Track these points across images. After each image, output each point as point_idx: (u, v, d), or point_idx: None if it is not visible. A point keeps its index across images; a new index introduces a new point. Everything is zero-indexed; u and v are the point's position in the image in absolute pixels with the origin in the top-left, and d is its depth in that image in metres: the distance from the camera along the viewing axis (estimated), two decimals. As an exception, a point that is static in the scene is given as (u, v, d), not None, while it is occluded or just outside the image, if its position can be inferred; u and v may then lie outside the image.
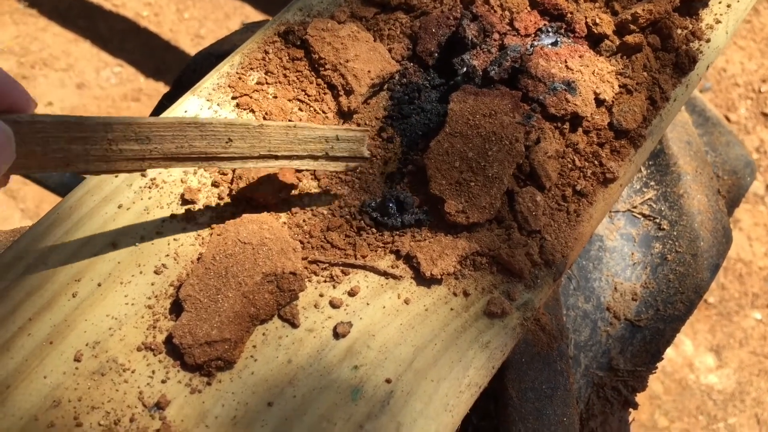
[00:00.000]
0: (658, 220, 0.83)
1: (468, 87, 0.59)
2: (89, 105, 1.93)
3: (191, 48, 2.08)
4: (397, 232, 0.56)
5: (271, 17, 0.66)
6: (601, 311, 0.78)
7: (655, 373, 0.79)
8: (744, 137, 2.10)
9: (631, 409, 0.78)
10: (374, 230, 0.56)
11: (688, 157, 0.86)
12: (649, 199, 0.84)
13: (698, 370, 1.81)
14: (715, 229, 0.82)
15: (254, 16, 2.16)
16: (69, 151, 0.44)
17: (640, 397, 0.80)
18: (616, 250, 0.82)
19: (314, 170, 0.57)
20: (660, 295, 0.79)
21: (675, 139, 0.87)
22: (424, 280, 0.55)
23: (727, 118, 2.13)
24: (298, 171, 0.58)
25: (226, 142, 0.50)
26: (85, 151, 0.44)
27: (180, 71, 0.79)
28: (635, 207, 0.84)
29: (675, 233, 0.82)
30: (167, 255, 0.55)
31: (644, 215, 0.84)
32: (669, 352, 1.79)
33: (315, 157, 0.54)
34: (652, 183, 0.85)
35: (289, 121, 0.60)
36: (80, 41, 2.04)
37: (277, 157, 0.53)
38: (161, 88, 2.01)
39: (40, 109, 1.87)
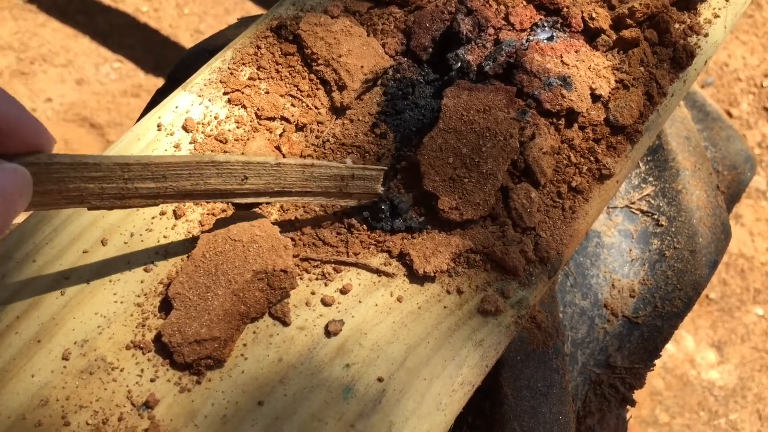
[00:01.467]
0: (656, 216, 0.82)
1: (462, 82, 0.58)
2: (89, 101, 1.92)
3: (191, 43, 2.08)
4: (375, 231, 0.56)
5: (270, 12, 0.66)
6: (598, 308, 0.77)
7: (652, 370, 0.78)
8: (746, 132, 2.09)
9: (628, 407, 0.77)
10: (365, 227, 0.56)
11: (687, 153, 0.85)
12: (647, 195, 0.84)
13: (699, 366, 1.81)
14: (713, 225, 0.82)
15: (255, 11, 2.15)
16: (85, 189, 0.43)
17: (640, 393, 0.80)
18: (614, 246, 0.81)
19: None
20: (658, 292, 0.79)
21: (674, 135, 0.86)
22: (417, 277, 0.54)
23: (729, 113, 2.12)
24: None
25: (242, 180, 0.50)
26: (101, 190, 0.44)
27: (173, 66, 0.79)
28: (633, 203, 0.83)
29: (673, 229, 0.81)
30: (157, 252, 0.54)
31: (642, 211, 0.83)
32: (670, 347, 1.79)
33: (329, 194, 0.54)
34: (651, 179, 0.85)
35: (281, 118, 0.59)
36: (79, 37, 2.03)
37: (291, 194, 0.52)
38: (161, 84, 2.00)
39: (39, 105, 1.87)
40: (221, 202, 0.56)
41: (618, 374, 0.76)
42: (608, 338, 0.76)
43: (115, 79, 1.99)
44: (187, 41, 2.08)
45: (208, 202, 0.57)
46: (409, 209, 0.56)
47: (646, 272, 0.80)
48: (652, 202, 0.83)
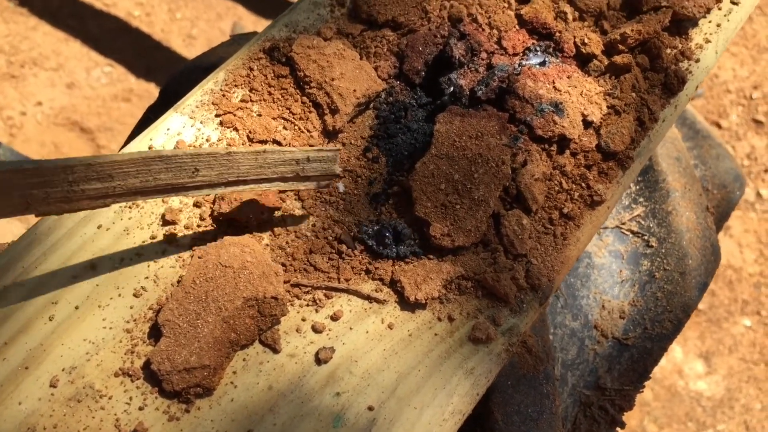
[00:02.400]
0: (646, 237, 0.82)
1: (454, 108, 0.58)
2: (79, 105, 1.92)
3: (183, 48, 2.07)
4: (382, 258, 0.55)
5: (264, 19, 0.65)
6: (588, 329, 0.78)
7: (642, 392, 0.78)
8: (735, 144, 2.10)
9: (618, 429, 0.77)
10: (356, 253, 0.56)
11: (677, 174, 0.85)
12: (637, 215, 0.84)
13: (687, 377, 1.81)
14: (703, 247, 0.82)
15: (246, 16, 2.14)
16: (30, 196, 0.42)
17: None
18: (604, 267, 0.81)
19: (285, 190, 0.56)
20: (648, 314, 0.79)
21: (664, 155, 0.87)
22: (408, 304, 0.54)
23: (719, 125, 2.13)
24: (281, 192, 0.57)
25: (193, 172, 0.49)
26: (45, 194, 0.43)
27: (165, 82, 0.78)
28: (624, 223, 0.83)
29: (663, 251, 0.81)
30: (147, 277, 0.54)
31: (633, 232, 0.83)
32: (658, 359, 1.79)
33: (285, 179, 0.53)
34: (641, 199, 0.85)
35: (273, 141, 0.59)
36: (71, 41, 2.02)
37: (246, 182, 0.52)
38: (152, 89, 2.00)
39: (29, 109, 1.86)
40: (179, 198, 0.54)
41: (608, 396, 0.76)
42: (598, 360, 0.77)
43: (105, 84, 1.99)
44: (179, 46, 2.07)
45: (164, 201, 0.56)
46: (411, 235, 0.56)
47: (636, 293, 0.80)
48: (643, 223, 0.83)
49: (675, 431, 1.76)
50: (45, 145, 1.86)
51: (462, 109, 0.58)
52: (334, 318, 0.54)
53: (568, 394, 0.75)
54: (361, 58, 0.63)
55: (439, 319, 0.54)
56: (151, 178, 0.47)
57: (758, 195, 2.04)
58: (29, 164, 0.40)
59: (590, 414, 0.76)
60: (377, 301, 0.54)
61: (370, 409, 0.50)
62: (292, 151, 0.52)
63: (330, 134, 0.60)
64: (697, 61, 0.66)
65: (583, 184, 0.59)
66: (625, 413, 0.78)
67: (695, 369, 1.84)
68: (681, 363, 1.83)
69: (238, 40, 0.79)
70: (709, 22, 0.68)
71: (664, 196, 0.83)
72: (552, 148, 0.59)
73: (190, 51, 2.08)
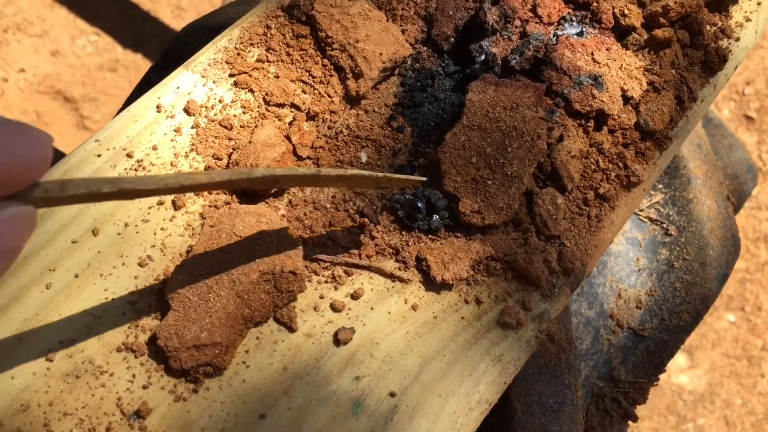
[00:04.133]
0: (665, 225, 0.79)
1: (488, 76, 0.54)
2: (63, 73, 1.85)
3: (171, 20, 2.01)
4: (407, 233, 0.52)
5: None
6: (604, 318, 0.74)
7: (656, 385, 0.75)
8: (729, 139, 2.09)
9: (630, 422, 0.74)
10: (380, 228, 0.52)
11: (699, 161, 0.82)
12: (656, 202, 0.81)
13: (670, 370, 1.80)
14: (724, 237, 0.79)
15: (238, -11, 2.08)
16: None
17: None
18: (621, 254, 0.78)
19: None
20: (665, 304, 0.76)
21: (685, 141, 0.83)
22: (433, 284, 0.50)
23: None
24: (301, 159, 0.53)
25: (274, 183, 0.46)
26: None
27: (169, 42, 0.74)
28: (642, 210, 0.80)
29: (683, 240, 0.78)
30: (153, 246, 0.50)
31: (651, 219, 0.80)
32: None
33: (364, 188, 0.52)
34: (660, 186, 0.82)
35: (291, 104, 0.55)
36: (56, 7, 1.95)
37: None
38: (139, 60, 1.94)
39: (12, 76, 1.80)
40: (226, 194, 0.52)
41: (621, 388, 0.73)
42: (613, 350, 0.74)
43: (91, 53, 1.92)
44: (167, 17, 2.01)
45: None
46: (445, 207, 0.52)
47: (654, 283, 0.77)
48: (662, 210, 0.80)
49: (655, 424, 1.75)
50: (27, 113, 1.80)
51: (496, 78, 0.54)
52: (355, 297, 0.50)
53: (582, 384, 0.72)
54: (387, 20, 0.58)
55: (466, 302, 0.50)
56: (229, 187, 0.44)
57: (754, 187, 2.03)
58: (107, 187, 0.35)
59: (603, 406, 0.73)
60: (401, 280, 0.51)
61: (392, 395, 0.47)
62: (377, 177, 0.47)
63: (352, 100, 0.56)
64: (737, 39, 0.62)
65: (620, 164, 0.55)
66: (638, 406, 0.75)
67: (678, 362, 1.83)
68: (665, 356, 1.82)
69: (247, 1, 0.75)
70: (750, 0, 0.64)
71: (684, 183, 0.80)
72: (589, 124, 0.55)
73: (179, 23, 2.02)
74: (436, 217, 0.51)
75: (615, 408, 0.73)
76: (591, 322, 0.74)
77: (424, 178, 0.50)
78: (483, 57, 0.57)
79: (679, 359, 1.82)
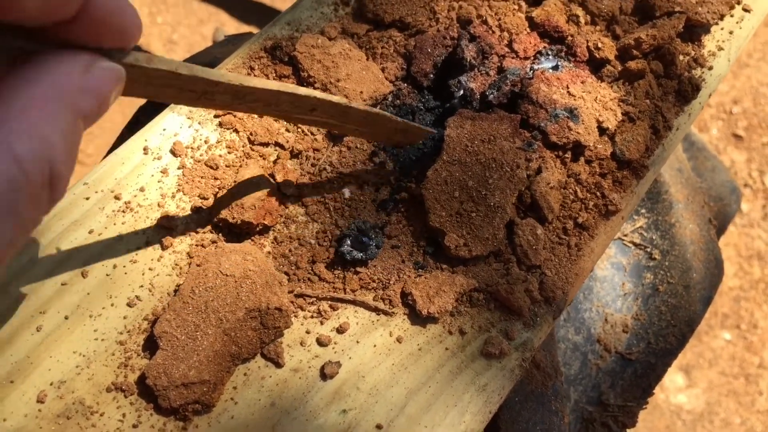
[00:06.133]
0: (649, 250, 0.81)
1: (464, 111, 0.56)
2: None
3: (163, 53, 2.03)
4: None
5: (246, 25, 0.62)
6: (591, 343, 0.75)
7: (645, 408, 0.76)
8: (716, 158, 2.11)
9: (620, 445, 0.75)
10: (364, 266, 0.53)
11: (680, 185, 0.84)
12: (640, 227, 0.82)
13: (668, 390, 1.80)
14: (707, 259, 0.80)
15: (229, 22, 2.11)
16: (163, 91, 0.41)
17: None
18: (606, 279, 0.79)
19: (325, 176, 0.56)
20: (651, 328, 0.77)
21: (666, 166, 0.85)
22: (417, 316, 0.51)
23: (701, 139, 2.14)
24: (283, 198, 0.54)
25: (311, 110, 0.49)
26: (178, 92, 0.42)
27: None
28: (626, 235, 0.81)
29: (667, 263, 0.80)
30: (141, 286, 0.51)
31: (635, 244, 0.81)
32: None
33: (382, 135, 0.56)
34: (643, 210, 0.83)
35: (275, 143, 0.56)
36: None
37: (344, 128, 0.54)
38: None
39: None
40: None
41: (610, 412, 0.74)
42: (601, 375, 0.74)
43: (84, 87, 1.93)
44: (160, 51, 2.03)
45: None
46: (371, 230, 0.53)
47: (639, 307, 0.78)
48: (645, 234, 0.81)
49: (655, 444, 1.75)
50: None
51: (472, 112, 0.56)
52: (340, 331, 0.51)
53: (571, 410, 0.72)
54: (367, 59, 0.60)
55: (450, 333, 0.51)
56: (273, 104, 0.47)
57: (738, 209, 2.05)
58: (185, 69, 0.39)
59: (593, 430, 0.74)
60: (385, 312, 0.52)
61: (379, 427, 0.47)
62: (397, 121, 0.52)
63: (335, 137, 0.57)
64: (710, 68, 0.64)
65: (598, 193, 0.57)
66: (627, 430, 0.75)
67: (675, 382, 1.83)
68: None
69: (231, 41, 0.76)
70: (722, 29, 0.66)
71: (666, 208, 0.82)
72: (566, 155, 0.57)
73: (171, 56, 2.04)
74: (373, 242, 0.52)
75: (605, 432, 0.74)
76: (579, 348, 0.75)
77: (435, 131, 0.55)
78: (461, 92, 0.58)
79: (676, 379, 1.82)
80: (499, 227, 0.52)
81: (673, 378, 1.83)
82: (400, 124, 0.53)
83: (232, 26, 2.11)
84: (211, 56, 0.73)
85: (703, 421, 1.79)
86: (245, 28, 2.07)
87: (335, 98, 0.49)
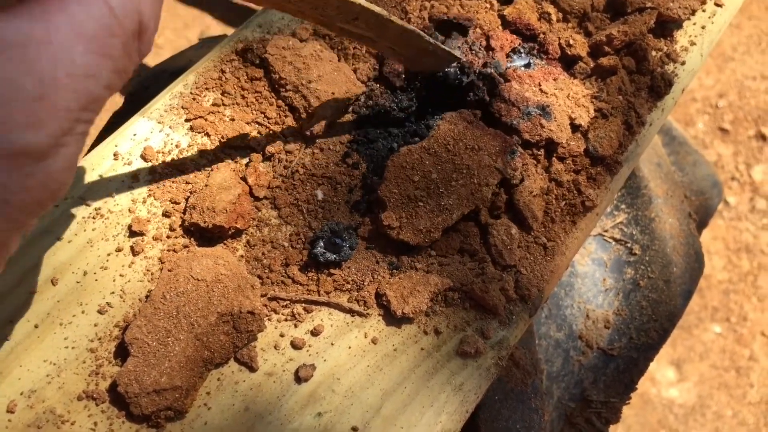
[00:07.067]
0: (629, 245, 0.81)
1: (466, 113, 0.55)
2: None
3: (148, 57, 2.02)
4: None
5: (232, 28, 0.62)
6: (573, 340, 0.75)
7: (628, 403, 0.76)
8: (702, 152, 2.11)
9: (605, 442, 0.75)
10: (337, 267, 0.53)
11: (659, 180, 0.84)
12: (620, 222, 0.82)
13: (659, 384, 1.81)
14: (687, 254, 0.80)
15: (214, 26, 2.10)
16: None
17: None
18: (587, 275, 0.79)
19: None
20: (633, 323, 0.77)
21: (645, 161, 0.85)
22: (392, 317, 0.51)
23: (686, 133, 2.14)
24: (256, 201, 0.54)
25: (353, 19, 0.50)
26: None
27: (132, 87, 0.75)
28: (606, 231, 0.81)
29: (647, 258, 0.80)
30: (112, 293, 0.50)
31: (615, 239, 0.81)
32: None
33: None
34: (623, 206, 0.83)
35: (247, 146, 0.56)
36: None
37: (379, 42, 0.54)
38: (116, 98, 1.95)
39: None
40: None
41: (594, 408, 0.74)
42: (583, 371, 0.74)
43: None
44: (144, 55, 2.02)
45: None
46: (344, 231, 0.53)
47: (621, 302, 0.78)
48: (625, 230, 0.81)
49: (647, 439, 1.75)
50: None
51: (473, 117, 0.55)
52: (315, 333, 0.50)
53: (554, 407, 0.72)
54: (339, 60, 0.60)
55: (425, 333, 0.51)
56: (320, 8, 0.48)
57: (725, 202, 2.05)
58: None
59: (576, 427, 0.74)
60: (359, 314, 0.51)
61: (354, 429, 0.47)
62: (428, 41, 0.54)
63: (307, 139, 0.57)
64: (683, 63, 0.64)
65: (575, 190, 0.56)
66: (611, 425, 0.75)
67: (667, 376, 1.83)
68: (653, 370, 1.82)
69: (207, 44, 0.76)
70: (694, 24, 0.66)
71: (646, 203, 0.82)
72: (539, 153, 0.57)
73: (156, 60, 2.02)
74: (346, 242, 0.52)
75: (588, 428, 0.74)
76: (560, 344, 0.75)
77: (458, 57, 0.57)
78: (470, 78, 0.58)
79: (667, 373, 1.83)
80: (437, 228, 0.52)
81: (664, 372, 1.83)
82: (432, 45, 0.55)
83: (217, 30, 2.10)
84: (185, 59, 0.73)
85: (695, 415, 1.79)
86: (231, 32, 2.07)
87: (377, 9, 0.50)
